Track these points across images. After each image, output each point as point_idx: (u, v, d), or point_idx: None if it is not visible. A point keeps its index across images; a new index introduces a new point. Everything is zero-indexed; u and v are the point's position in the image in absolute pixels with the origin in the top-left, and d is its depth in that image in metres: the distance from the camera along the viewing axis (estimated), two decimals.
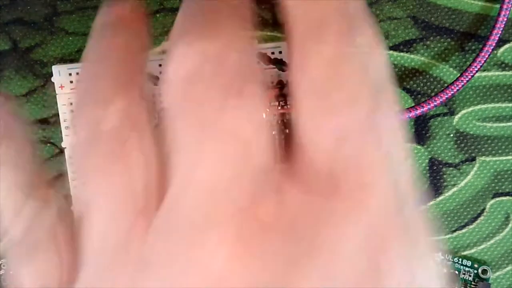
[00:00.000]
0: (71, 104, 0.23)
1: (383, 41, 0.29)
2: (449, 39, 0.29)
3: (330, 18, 0.15)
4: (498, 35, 0.27)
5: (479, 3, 0.29)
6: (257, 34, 0.29)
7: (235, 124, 0.14)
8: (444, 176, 0.29)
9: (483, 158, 0.29)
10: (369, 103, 0.14)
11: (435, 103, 0.27)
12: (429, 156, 0.29)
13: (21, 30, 0.29)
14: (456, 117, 0.29)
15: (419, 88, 0.29)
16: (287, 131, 0.20)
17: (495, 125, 0.29)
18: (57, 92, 0.23)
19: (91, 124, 0.15)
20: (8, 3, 0.28)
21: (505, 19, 0.27)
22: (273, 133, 0.14)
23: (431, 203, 0.29)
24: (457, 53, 0.29)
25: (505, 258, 0.30)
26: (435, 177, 0.29)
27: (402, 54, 0.29)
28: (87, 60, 0.16)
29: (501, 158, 0.29)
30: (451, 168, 0.29)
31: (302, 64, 0.14)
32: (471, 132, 0.29)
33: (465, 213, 0.30)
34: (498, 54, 0.29)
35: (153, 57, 0.22)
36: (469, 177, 0.29)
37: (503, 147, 0.29)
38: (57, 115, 0.29)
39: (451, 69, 0.29)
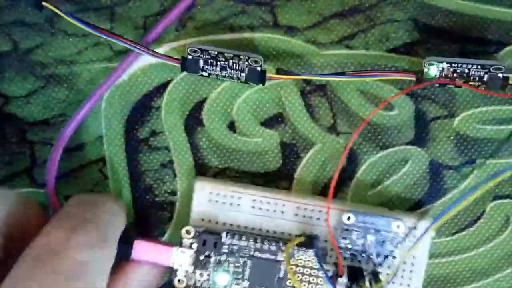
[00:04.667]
0: None
1: (384, 43, 0.29)
2: (449, 42, 0.29)
3: None
4: None
5: (479, 5, 0.29)
6: (258, 35, 0.29)
7: None
8: (445, 178, 0.29)
9: (483, 160, 0.29)
10: None
11: None
12: (429, 159, 0.29)
13: (21, 31, 0.29)
14: (456, 120, 0.29)
15: (419, 91, 0.29)
16: None
17: (495, 127, 0.29)
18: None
19: None
20: (8, 4, 0.28)
21: None
22: None
23: (432, 205, 0.29)
24: (457, 56, 0.29)
25: (505, 260, 0.30)
26: (436, 179, 0.29)
27: (403, 56, 0.29)
28: None
29: (501, 160, 0.29)
30: (451, 171, 0.29)
31: None
32: (471, 135, 0.29)
33: (465, 215, 0.30)
34: (499, 57, 0.29)
35: None
36: (469, 179, 0.29)
37: (503, 149, 0.29)
38: (56, 116, 0.29)
39: None
